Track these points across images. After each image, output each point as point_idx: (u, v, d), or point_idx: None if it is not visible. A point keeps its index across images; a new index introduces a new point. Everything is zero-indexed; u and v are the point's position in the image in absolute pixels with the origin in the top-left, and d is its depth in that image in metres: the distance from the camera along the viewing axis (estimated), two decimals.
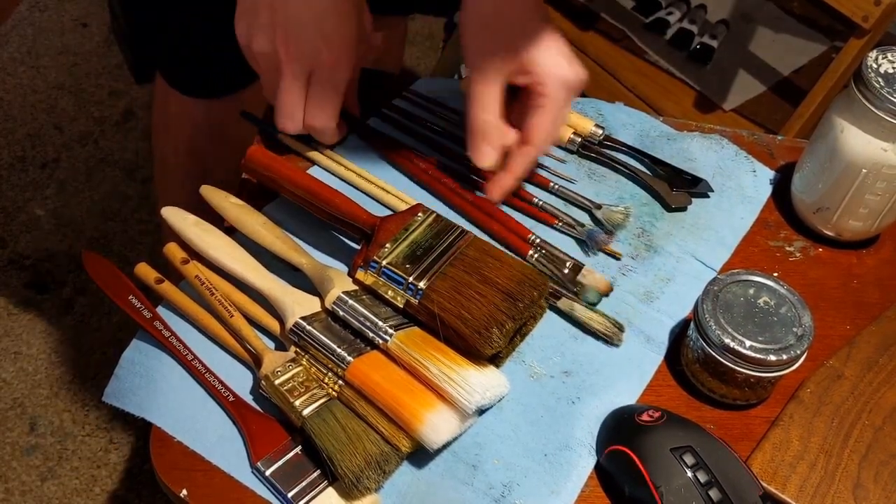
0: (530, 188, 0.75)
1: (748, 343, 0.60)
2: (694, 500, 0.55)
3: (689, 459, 0.56)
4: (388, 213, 0.69)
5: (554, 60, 0.66)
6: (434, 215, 0.67)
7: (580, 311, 0.66)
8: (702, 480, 0.55)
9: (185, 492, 0.57)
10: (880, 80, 0.66)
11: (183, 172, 0.99)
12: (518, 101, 0.69)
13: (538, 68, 0.66)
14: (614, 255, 0.71)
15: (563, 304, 0.67)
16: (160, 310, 0.65)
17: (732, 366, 0.60)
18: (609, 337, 0.66)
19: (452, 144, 0.77)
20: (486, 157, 0.68)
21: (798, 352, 0.60)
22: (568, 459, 0.60)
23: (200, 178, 0.81)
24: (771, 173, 0.79)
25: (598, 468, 0.60)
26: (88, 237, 1.55)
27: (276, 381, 0.58)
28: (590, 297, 0.67)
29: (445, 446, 0.59)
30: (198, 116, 0.94)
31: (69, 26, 1.89)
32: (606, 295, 0.68)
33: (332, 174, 0.74)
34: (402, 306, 0.62)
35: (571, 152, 0.79)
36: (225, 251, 0.65)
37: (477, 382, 0.58)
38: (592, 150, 0.78)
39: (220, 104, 0.90)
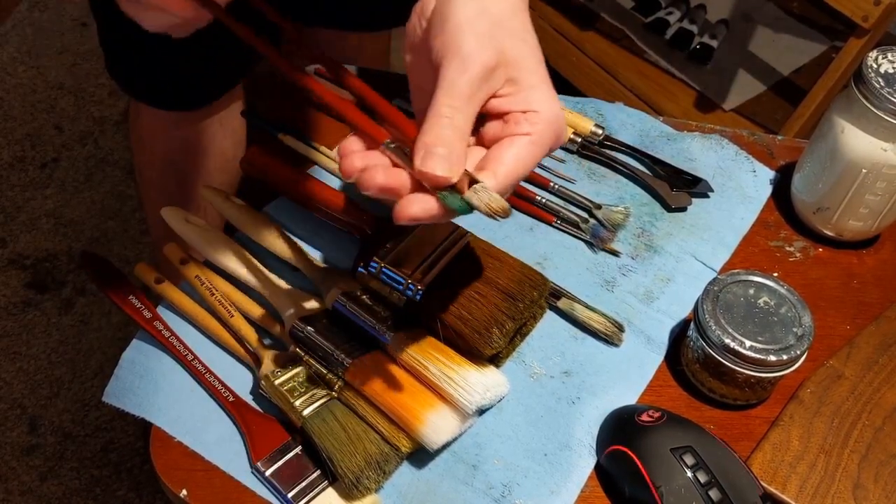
0: (531, 187, 0.75)
1: (748, 343, 0.60)
2: (694, 500, 0.55)
3: (689, 459, 0.56)
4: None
5: (550, 94, 0.51)
6: None
7: (580, 311, 0.66)
8: (702, 480, 0.55)
9: (185, 492, 0.57)
10: (880, 80, 0.66)
11: (160, 185, 0.98)
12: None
13: (532, 93, 0.50)
14: (614, 253, 0.71)
15: (563, 304, 0.67)
16: (160, 310, 0.65)
17: (732, 366, 0.60)
18: (609, 337, 0.66)
19: None
20: (443, 164, 0.46)
21: (798, 352, 0.60)
22: (568, 459, 0.60)
23: (176, 192, 0.79)
24: (771, 173, 0.79)
25: (598, 468, 0.60)
26: (88, 237, 1.55)
27: (276, 381, 0.58)
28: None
29: (445, 446, 0.59)
30: (169, 128, 0.92)
31: (69, 26, 1.89)
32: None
33: (332, 174, 0.75)
34: (402, 306, 0.62)
35: (571, 152, 0.79)
36: (224, 251, 0.65)
37: (477, 382, 0.58)
38: (592, 150, 0.78)
39: (190, 116, 0.89)
